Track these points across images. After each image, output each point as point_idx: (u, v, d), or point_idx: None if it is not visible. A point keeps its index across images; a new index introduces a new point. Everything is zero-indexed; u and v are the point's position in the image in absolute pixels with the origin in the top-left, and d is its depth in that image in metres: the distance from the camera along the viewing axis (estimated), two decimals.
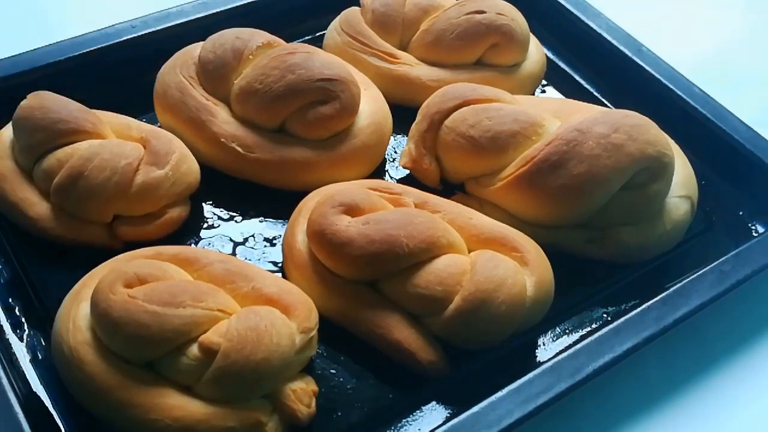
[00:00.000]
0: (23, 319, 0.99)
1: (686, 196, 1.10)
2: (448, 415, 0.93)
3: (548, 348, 1.01)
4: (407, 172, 1.17)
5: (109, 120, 1.11)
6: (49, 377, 0.93)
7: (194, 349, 0.85)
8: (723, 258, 1.04)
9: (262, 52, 1.14)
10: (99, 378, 0.85)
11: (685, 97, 1.25)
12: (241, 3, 1.33)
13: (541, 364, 0.92)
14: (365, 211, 0.98)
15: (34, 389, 0.92)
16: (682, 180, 1.10)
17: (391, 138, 1.20)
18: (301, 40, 1.37)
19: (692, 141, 1.19)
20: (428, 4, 1.27)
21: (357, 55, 1.25)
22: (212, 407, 0.84)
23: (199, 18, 1.30)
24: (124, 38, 1.25)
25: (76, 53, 1.22)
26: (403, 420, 0.93)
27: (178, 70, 1.16)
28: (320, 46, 1.26)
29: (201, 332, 0.86)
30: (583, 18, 1.38)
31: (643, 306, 0.98)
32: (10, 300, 1.01)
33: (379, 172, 1.18)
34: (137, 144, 1.06)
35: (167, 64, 1.19)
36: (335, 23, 1.31)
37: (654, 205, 1.06)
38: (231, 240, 1.09)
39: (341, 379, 0.96)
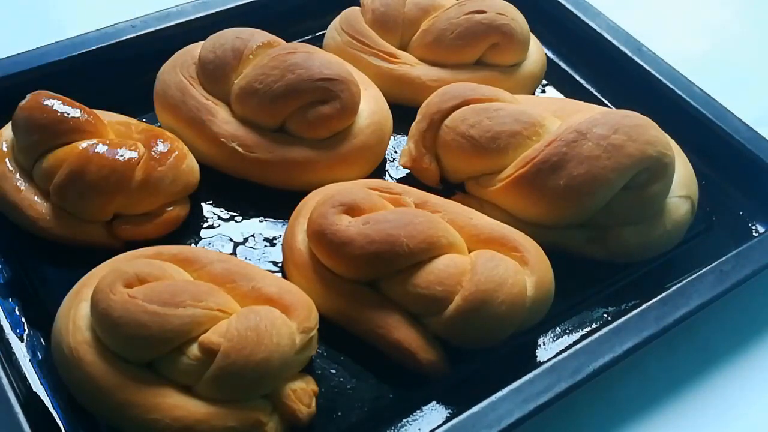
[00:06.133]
0: (23, 319, 0.99)
1: (686, 196, 1.10)
2: (448, 415, 0.93)
3: (548, 348, 1.01)
4: (407, 172, 1.17)
5: (109, 120, 1.11)
6: (49, 377, 0.93)
7: (194, 349, 0.85)
8: (723, 258, 1.04)
9: (262, 52, 1.14)
10: (99, 378, 0.85)
11: (685, 96, 1.25)
12: (241, 3, 1.33)
13: (541, 363, 0.92)
14: (365, 211, 0.98)
15: (34, 389, 0.92)
16: (683, 180, 1.10)
17: (391, 138, 1.20)
18: (301, 40, 1.37)
19: (692, 141, 1.19)
20: (428, 3, 1.27)
21: (357, 55, 1.25)
22: (212, 407, 0.84)
23: (199, 18, 1.30)
24: (124, 38, 1.25)
25: (76, 53, 1.22)
26: (403, 420, 0.93)
27: (178, 70, 1.16)
28: (320, 46, 1.26)
29: (201, 332, 0.86)
30: (583, 18, 1.38)
31: (644, 306, 0.98)
32: (10, 300, 1.01)
33: (379, 172, 1.18)
34: (137, 143, 1.06)
35: (167, 64, 1.19)
36: (335, 23, 1.31)
37: (654, 205, 1.06)
38: (231, 240, 1.09)
39: (341, 379, 0.96)
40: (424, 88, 1.20)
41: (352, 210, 0.98)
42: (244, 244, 1.09)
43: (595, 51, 1.36)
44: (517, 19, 1.26)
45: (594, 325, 1.04)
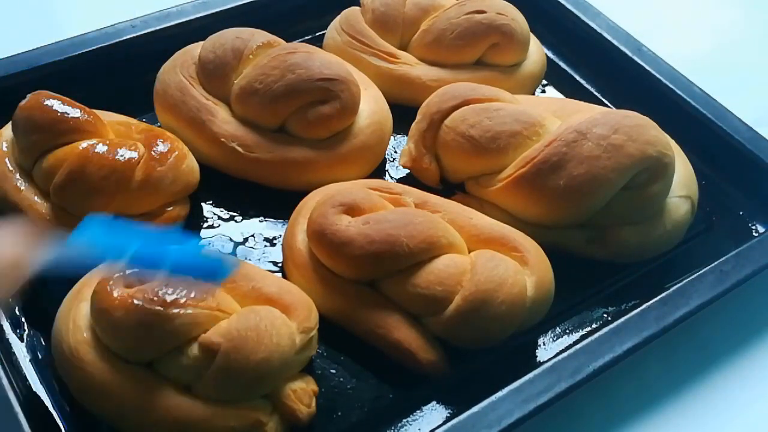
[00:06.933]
0: (23, 319, 0.99)
1: (686, 196, 1.10)
2: (448, 415, 0.93)
3: (548, 348, 1.01)
4: (407, 172, 1.17)
5: (109, 120, 1.10)
6: (49, 377, 0.93)
7: (194, 349, 0.85)
8: (723, 258, 1.03)
9: (262, 52, 1.14)
10: (99, 378, 0.85)
11: (685, 97, 1.25)
12: (241, 3, 1.33)
13: (541, 363, 0.92)
14: (365, 211, 0.98)
15: (34, 389, 0.92)
16: (683, 180, 1.10)
17: (391, 138, 1.20)
18: (301, 40, 1.37)
19: (692, 141, 1.19)
20: (428, 3, 1.27)
21: (357, 55, 1.25)
22: (212, 407, 0.84)
23: (199, 18, 1.30)
24: (124, 38, 1.25)
25: (76, 53, 1.22)
26: (403, 420, 0.93)
27: (178, 70, 1.16)
28: (320, 46, 1.26)
29: (201, 332, 0.86)
30: (583, 18, 1.38)
31: (643, 306, 0.97)
32: (10, 300, 1.01)
33: (379, 172, 1.18)
34: (137, 143, 1.06)
35: (167, 64, 1.19)
36: (335, 23, 1.31)
37: (654, 205, 1.06)
38: (231, 240, 1.09)
39: (341, 379, 0.96)
40: (424, 88, 1.20)
41: (352, 210, 0.98)
42: (244, 244, 1.09)
43: (595, 51, 1.36)
44: (517, 19, 1.26)
45: (594, 325, 1.04)
